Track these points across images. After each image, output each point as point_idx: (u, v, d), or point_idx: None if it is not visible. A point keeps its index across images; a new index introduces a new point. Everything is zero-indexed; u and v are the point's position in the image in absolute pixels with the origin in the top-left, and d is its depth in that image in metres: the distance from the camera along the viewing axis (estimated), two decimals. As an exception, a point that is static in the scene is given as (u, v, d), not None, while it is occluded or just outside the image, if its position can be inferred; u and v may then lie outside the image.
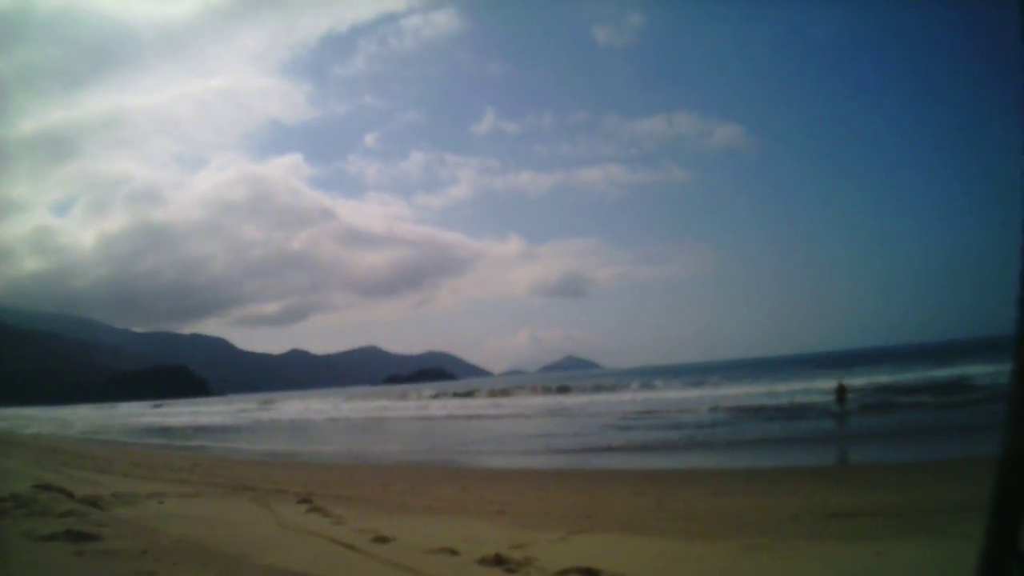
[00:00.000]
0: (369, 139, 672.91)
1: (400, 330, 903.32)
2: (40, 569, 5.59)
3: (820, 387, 33.91)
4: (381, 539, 6.72)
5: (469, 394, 61.45)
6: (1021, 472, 1.42)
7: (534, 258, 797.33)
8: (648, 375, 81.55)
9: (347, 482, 14.24)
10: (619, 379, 67.85)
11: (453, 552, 6.07)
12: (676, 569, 5.93)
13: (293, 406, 65.88)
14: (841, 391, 25.58)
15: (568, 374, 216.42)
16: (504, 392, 59.57)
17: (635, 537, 7.42)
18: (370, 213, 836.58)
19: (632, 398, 43.62)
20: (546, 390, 58.23)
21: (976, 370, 36.84)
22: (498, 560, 5.62)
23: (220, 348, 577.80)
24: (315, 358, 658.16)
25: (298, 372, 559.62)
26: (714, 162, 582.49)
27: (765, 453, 17.55)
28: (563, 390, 55.82)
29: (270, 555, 6.11)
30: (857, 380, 34.62)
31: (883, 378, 38.52)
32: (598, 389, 53.97)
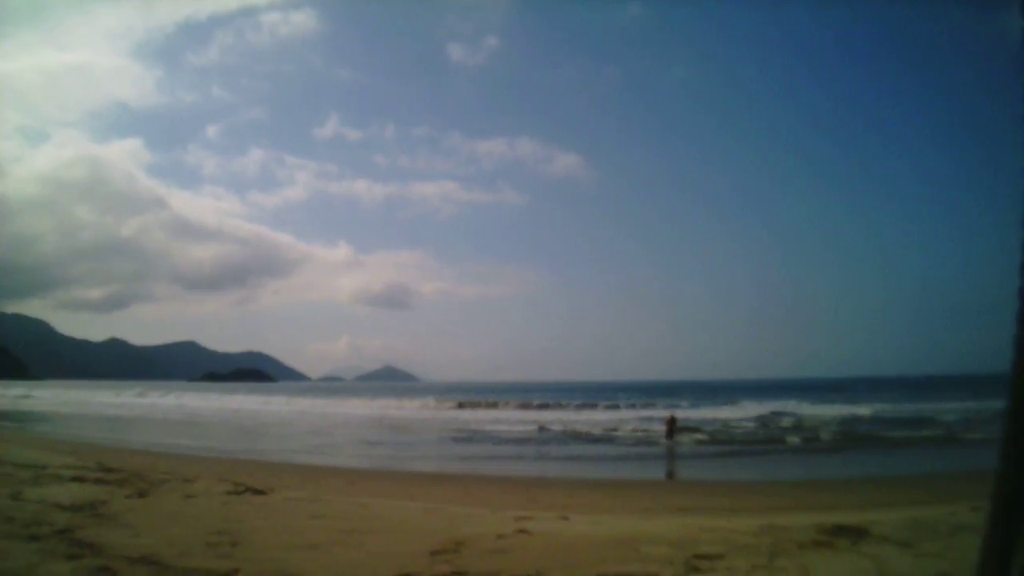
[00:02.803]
0: (211, 131, 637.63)
1: (220, 327, 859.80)
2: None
3: (650, 415, 37.26)
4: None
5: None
6: (1019, 475, 1.40)
7: (361, 266, 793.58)
8: (465, 391, 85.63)
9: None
10: (441, 393, 70.78)
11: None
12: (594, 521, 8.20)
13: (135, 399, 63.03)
14: (671, 423, 27.20)
15: (386, 384, 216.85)
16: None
17: (542, 511, 9.54)
18: (203, 206, 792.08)
19: (463, 415, 45.44)
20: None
21: (779, 405, 43.49)
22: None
23: (41, 330, 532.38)
24: (134, 348, 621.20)
25: (117, 361, 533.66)
26: (550, 188, 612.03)
27: (604, 468, 19.51)
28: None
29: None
30: (684, 413, 37.17)
31: (710, 412, 41.88)
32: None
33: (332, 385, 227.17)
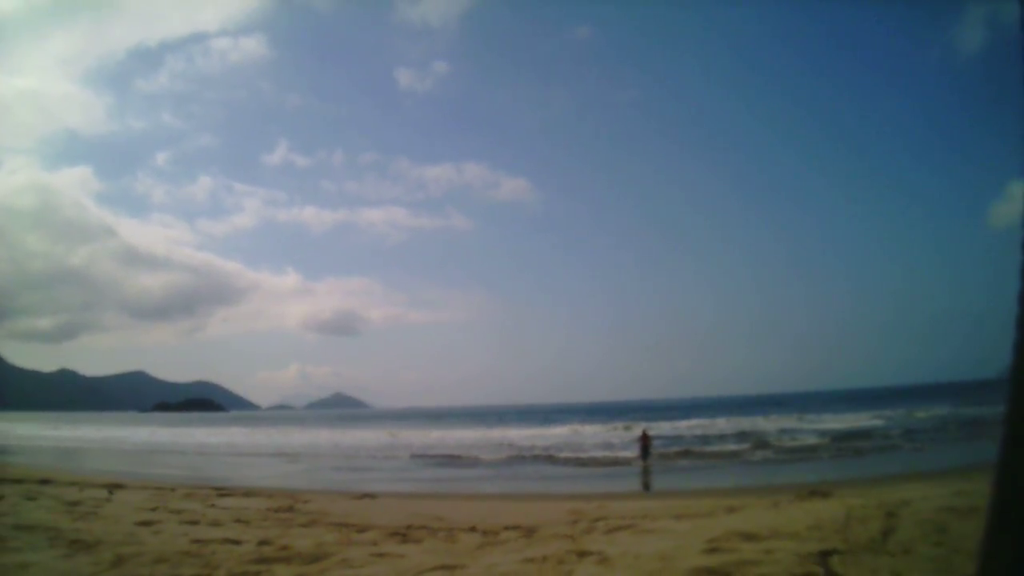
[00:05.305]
0: (161, 158, 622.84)
1: (169, 356, 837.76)
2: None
3: (620, 437, 39.71)
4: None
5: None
6: (1019, 476, 1.41)
7: (309, 293, 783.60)
8: (420, 417, 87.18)
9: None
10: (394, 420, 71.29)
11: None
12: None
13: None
14: (645, 438, 28.47)
15: (336, 412, 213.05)
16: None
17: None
18: (152, 234, 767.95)
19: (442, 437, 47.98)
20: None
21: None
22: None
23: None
24: (84, 379, 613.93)
25: (67, 392, 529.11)
26: (498, 213, 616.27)
27: (580, 484, 21.15)
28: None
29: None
30: (657, 428, 40.15)
31: (676, 430, 43.76)
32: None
33: (285, 414, 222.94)
